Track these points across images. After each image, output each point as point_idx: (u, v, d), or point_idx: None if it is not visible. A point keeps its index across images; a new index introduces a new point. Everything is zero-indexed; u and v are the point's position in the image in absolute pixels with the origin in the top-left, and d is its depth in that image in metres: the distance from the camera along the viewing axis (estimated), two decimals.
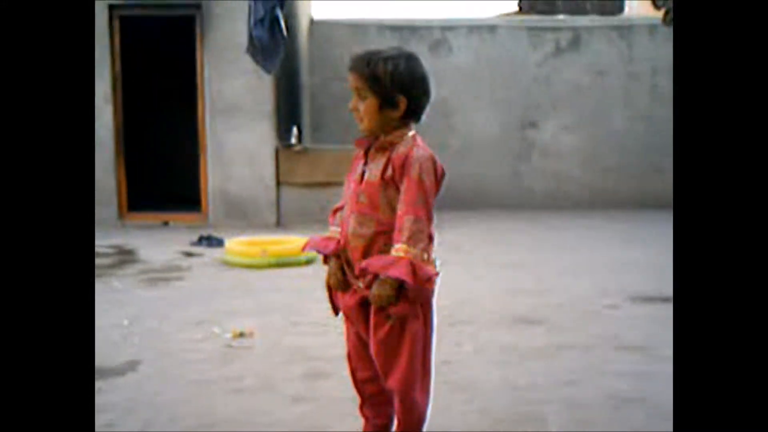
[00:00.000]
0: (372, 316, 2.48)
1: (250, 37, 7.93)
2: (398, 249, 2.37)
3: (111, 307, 4.89)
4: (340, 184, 9.17)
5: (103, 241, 7.52)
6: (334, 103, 10.13)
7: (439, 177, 2.47)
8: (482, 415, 3.04)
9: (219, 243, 7.14)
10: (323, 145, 9.57)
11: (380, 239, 2.45)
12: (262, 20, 7.81)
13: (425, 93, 2.48)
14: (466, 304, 4.81)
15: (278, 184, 8.67)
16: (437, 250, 2.69)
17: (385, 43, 5.74)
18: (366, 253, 2.47)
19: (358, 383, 2.66)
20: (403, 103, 2.43)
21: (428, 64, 2.55)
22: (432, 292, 2.42)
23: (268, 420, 3.00)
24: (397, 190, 2.42)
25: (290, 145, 8.74)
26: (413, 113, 2.48)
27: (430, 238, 2.47)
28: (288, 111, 9.16)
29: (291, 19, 8.87)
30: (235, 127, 8.60)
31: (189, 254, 6.89)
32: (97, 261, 6.54)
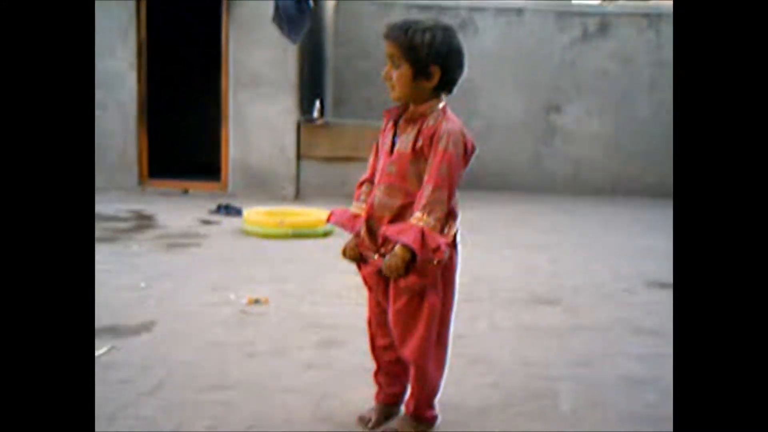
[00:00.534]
0: (391, 285, 2.48)
1: (276, 7, 7.90)
2: (414, 217, 2.38)
3: (128, 269, 4.92)
4: (360, 159, 9.24)
5: (122, 206, 7.57)
6: (358, 79, 10.08)
7: (469, 151, 2.46)
8: (494, 389, 3.04)
9: (237, 212, 7.16)
10: (345, 120, 9.54)
11: (407, 211, 2.44)
12: None
13: (460, 66, 2.47)
14: (483, 281, 4.79)
15: (299, 157, 8.66)
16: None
17: None
18: (393, 224, 2.47)
19: (375, 350, 2.67)
20: (437, 74, 2.41)
21: None
22: (441, 261, 2.40)
23: (280, 384, 3.01)
24: (426, 162, 2.41)
25: (312, 119, 8.72)
26: (446, 85, 2.46)
27: (452, 212, 2.45)
28: (311, 85, 9.13)
29: None
30: (257, 99, 8.58)
31: (207, 222, 6.91)
32: (116, 225, 6.58)
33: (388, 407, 2.69)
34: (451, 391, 2.82)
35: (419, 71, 2.41)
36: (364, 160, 2.66)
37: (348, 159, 8.41)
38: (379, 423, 2.63)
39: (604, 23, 10.41)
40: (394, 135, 2.50)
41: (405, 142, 2.46)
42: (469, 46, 2.51)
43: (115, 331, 3.60)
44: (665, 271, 5.39)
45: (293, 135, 8.61)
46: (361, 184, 2.62)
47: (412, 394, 2.62)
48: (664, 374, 3.23)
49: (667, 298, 4.66)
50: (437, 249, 2.36)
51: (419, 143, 2.42)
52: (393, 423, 2.61)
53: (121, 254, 5.40)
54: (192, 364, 3.20)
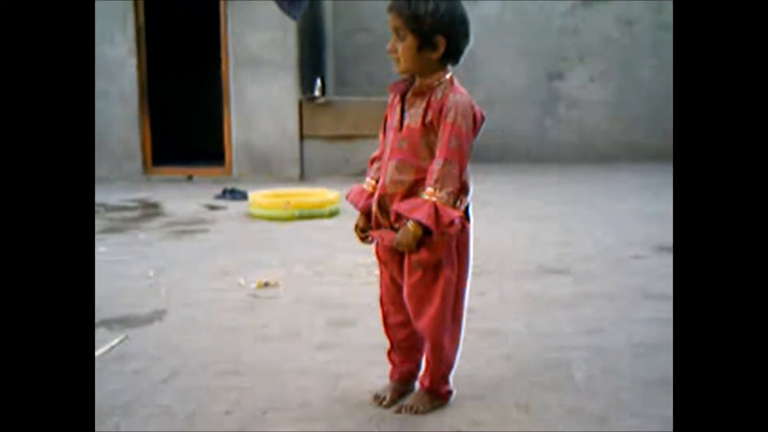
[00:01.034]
0: (406, 260, 2.47)
1: None
2: (426, 192, 2.37)
3: (136, 258, 4.93)
4: (364, 137, 9.20)
5: (127, 195, 7.58)
6: (358, 54, 10.03)
7: (478, 122, 2.44)
8: (508, 360, 3.04)
9: (243, 196, 7.15)
10: (347, 97, 9.50)
11: (420, 186, 2.43)
12: None
13: (465, 35, 2.44)
14: (491, 254, 4.78)
15: (302, 137, 8.64)
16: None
17: None
18: (405, 200, 2.46)
19: (389, 328, 2.66)
20: (442, 44, 2.38)
21: None
22: (454, 235, 2.40)
23: (294, 366, 3.02)
24: (436, 136, 2.40)
25: (314, 98, 8.68)
26: (452, 55, 2.43)
27: (464, 185, 2.44)
28: (311, 63, 9.09)
29: None
30: (258, 80, 8.55)
31: (213, 207, 6.91)
32: (122, 214, 6.59)
33: (402, 385, 2.69)
34: (464, 364, 2.82)
35: (424, 42, 2.39)
36: (368, 137, 2.65)
37: (351, 137, 8.39)
38: (393, 401, 2.63)
39: None
40: (402, 110, 2.48)
41: (414, 116, 2.44)
42: (469, 15, 2.48)
43: (126, 321, 3.61)
44: None
45: (295, 115, 8.59)
46: (373, 160, 2.61)
47: (427, 369, 2.63)
48: None
49: None
50: (451, 224, 2.35)
51: (428, 117, 2.40)
52: (409, 400, 2.61)
53: (128, 244, 5.41)
54: (205, 350, 3.21)
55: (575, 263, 4.65)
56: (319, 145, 8.65)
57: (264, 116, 8.59)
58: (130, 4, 8.47)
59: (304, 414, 2.58)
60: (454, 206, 2.38)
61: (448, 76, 2.45)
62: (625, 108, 10.30)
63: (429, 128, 2.41)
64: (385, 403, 2.62)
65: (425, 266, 2.44)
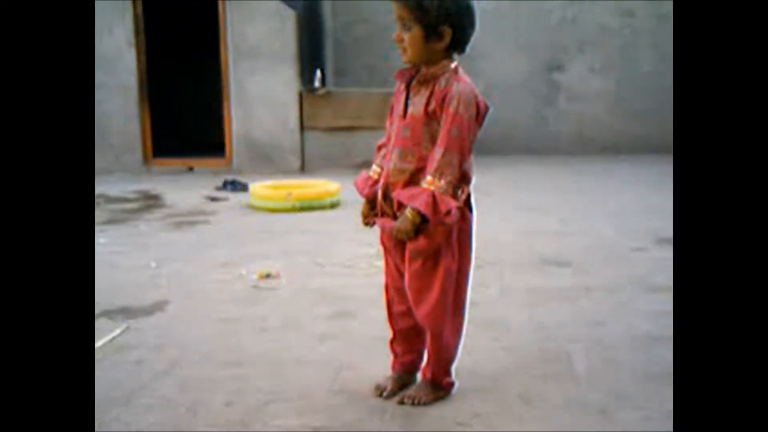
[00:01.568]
0: (407, 248, 2.47)
1: None
2: (425, 181, 2.38)
3: (138, 250, 4.93)
4: (364, 128, 9.18)
5: (128, 187, 7.58)
6: (358, 45, 10.01)
7: (481, 112, 2.44)
8: (509, 353, 3.05)
9: (243, 188, 7.15)
10: (347, 89, 9.48)
11: (421, 174, 2.43)
12: None
13: (471, 24, 2.43)
14: (492, 246, 4.78)
15: (302, 128, 8.62)
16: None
17: None
18: (405, 188, 2.46)
19: (392, 316, 2.67)
20: (448, 34, 2.38)
21: None
22: (452, 224, 2.40)
23: (296, 357, 3.03)
24: (439, 125, 2.40)
25: (314, 89, 8.67)
26: (458, 45, 2.43)
27: (465, 175, 2.44)
28: (311, 54, 9.06)
29: None
30: (258, 72, 8.53)
31: (214, 199, 6.91)
32: (123, 206, 6.59)
33: (404, 376, 2.70)
34: (466, 357, 2.83)
35: (430, 32, 2.38)
36: (368, 128, 2.65)
37: (352, 128, 8.38)
38: (394, 392, 2.63)
39: None
40: (407, 98, 2.48)
41: (418, 105, 2.44)
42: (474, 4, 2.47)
43: (128, 312, 3.61)
44: None
45: (295, 106, 8.57)
46: (380, 147, 2.61)
47: (429, 361, 2.63)
48: None
49: None
50: (448, 213, 2.35)
51: (431, 106, 2.40)
52: (410, 391, 2.62)
53: (130, 235, 5.41)
54: (206, 341, 3.22)
55: (575, 255, 4.65)
56: (319, 137, 8.64)
57: (264, 108, 8.58)
58: None
59: (305, 405, 2.59)
60: (453, 196, 2.38)
61: (453, 65, 2.44)
62: (625, 99, 10.28)
63: (432, 117, 2.41)
64: (385, 394, 2.63)
65: (424, 254, 2.44)
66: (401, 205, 2.45)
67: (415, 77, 2.46)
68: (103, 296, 3.75)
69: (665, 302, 3.56)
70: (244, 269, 4.33)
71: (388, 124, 2.58)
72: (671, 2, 10.04)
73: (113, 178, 8.06)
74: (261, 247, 4.95)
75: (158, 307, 3.71)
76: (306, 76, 8.71)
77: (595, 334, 3.25)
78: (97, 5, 7.45)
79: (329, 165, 8.44)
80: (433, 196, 2.34)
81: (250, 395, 2.67)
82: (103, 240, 5.15)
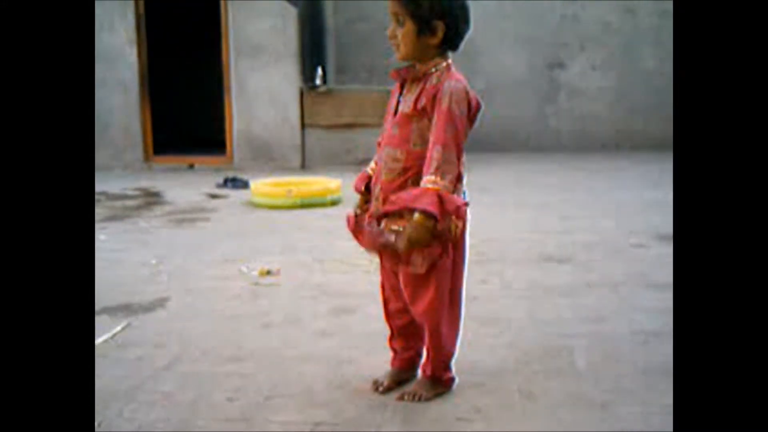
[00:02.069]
0: (414, 263, 2.46)
1: None
2: (426, 181, 2.33)
3: (138, 246, 4.94)
4: (364, 125, 9.18)
5: (129, 184, 7.58)
6: (359, 43, 10.01)
7: (473, 109, 2.42)
8: (510, 348, 3.04)
9: (244, 185, 7.16)
10: (348, 86, 9.49)
11: (410, 172, 2.42)
12: None
13: (465, 20, 2.42)
14: (492, 242, 4.79)
15: (303, 125, 8.63)
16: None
17: None
18: (395, 188, 2.45)
19: (389, 314, 2.67)
20: (441, 29, 2.37)
21: None
22: (463, 224, 2.40)
23: (296, 353, 3.03)
24: (429, 122, 2.39)
25: (315, 87, 8.67)
26: (451, 41, 2.42)
27: (459, 174, 2.43)
28: (312, 52, 9.07)
29: None
30: (259, 69, 8.54)
31: (214, 196, 6.92)
32: (124, 203, 6.59)
33: (403, 372, 2.70)
34: (466, 352, 2.83)
35: (423, 27, 2.38)
36: (369, 126, 2.65)
37: (352, 125, 8.38)
38: (390, 388, 2.63)
39: None
40: (400, 95, 2.48)
41: (407, 102, 2.43)
42: (469, 1, 2.47)
43: (129, 308, 3.62)
44: None
45: (296, 104, 8.58)
46: (380, 144, 2.61)
47: (428, 356, 2.63)
48: None
49: None
50: (457, 210, 2.34)
51: (421, 102, 2.39)
52: (410, 387, 2.62)
53: (130, 232, 5.42)
54: (207, 337, 3.22)
55: (576, 251, 4.65)
56: (320, 134, 8.64)
57: (265, 105, 8.58)
58: None
59: (306, 400, 2.59)
60: (455, 192, 2.37)
61: (445, 63, 2.44)
62: (626, 96, 10.28)
63: (421, 114, 2.39)
64: (381, 389, 2.63)
65: (434, 260, 2.41)
66: (385, 201, 2.44)
67: (408, 76, 2.45)
68: (104, 293, 3.75)
69: (665, 298, 3.55)
70: (244, 266, 4.33)
71: (385, 121, 2.58)
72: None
73: (114, 175, 8.07)
74: (261, 243, 4.95)
75: (159, 303, 3.71)
76: (307, 74, 8.71)
77: (595, 330, 3.25)
78: (99, 2, 7.46)
79: (330, 162, 8.44)
80: (439, 196, 2.30)
81: (250, 391, 2.67)
82: (104, 237, 5.15)
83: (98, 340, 3.16)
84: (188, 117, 9.97)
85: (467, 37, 2.47)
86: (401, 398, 2.58)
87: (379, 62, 9.23)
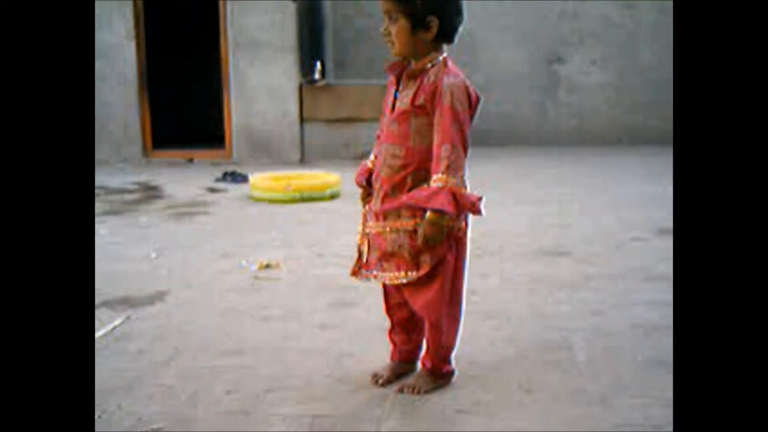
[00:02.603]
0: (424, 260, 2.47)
1: None
2: (437, 179, 2.33)
3: (138, 240, 4.93)
4: (363, 120, 9.18)
5: (128, 178, 7.57)
6: (358, 38, 9.98)
7: (473, 103, 2.42)
8: (510, 342, 3.05)
9: (243, 179, 7.15)
10: (347, 81, 9.47)
11: (409, 168, 2.42)
12: None
13: (458, 12, 2.42)
14: (492, 236, 4.79)
15: (302, 120, 8.62)
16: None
17: None
18: (394, 183, 2.45)
19: (389, 308, 2.67)
20: (434, 24, 2.37)
21: None
22: (477, 214, 2.41)
23: (297, 346, 3.03)
24: (428, 118, 2.38)
25: (314, 81, 8.66)
26: (446, 34, 2.41)
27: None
28: (311, 46, 9.04)
29: None
30: (257, 63, 8.52)
31: (214, 190, 6.91)
32: (123, 197, 6.59)
33: (402, 365, 2.70)
34: (466, 346, 2.83)
35: (417, 23, 2.37)
36: (368, 120, 2.65)
37: (351, 120, 8.37)
38: (390, 380, 2.64)
39: None
40: (397, 90, 2.48)
41: (405, 98, 2.43)
42: None
43: (128, 302, 3.61)
44: None
45: (295, 98, 8.56)
46: (379, 137, 2.61)
47: (428, 350, 2.63)
48: None
49: None
50: (473, 206, 2.35)
51: (420, 99, 2.38)
52: (410, 380, 2.62)
53: (129, 226, 5.41)
54: (207, 331, 3.22)
55: (576, 245, 4.65)
56: (319, 129, 8.63)
57: (264, 99, 8.57)
58: None
59: (306, 394, 2.59)
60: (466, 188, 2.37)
61: (441, 57, 2.43)
62: (626, 91, 10.26)
63: (419, 110, 2.39)
64: (381, 382, 2.63)
65: (441, 259, 2.42)
66: (386, 196, 2.44)
67: (405, 71, 2.45)
68: (104, 286, 3.75)
69: (665, 292, 3.56)
70: (244, 260, 4.33)
71: (382, 116, 2.57)
72: None
73: (113, 170, 8.06)
74: (261, 237, 4.95)
75: (158, 297, 3.71)
76: (306, 68, 8.69)
77: (595, 323, 3.25)
78: None
79: (329, 156, 8.43)
80: (453, 194, 2.31)
81: (250, 384, 2.68)
82: (104, 231, 5.15)
83: (98, 334, 3.16)
84: (187, 112, 9.94)
85: (462, 29, 2.46)
86: (401, 391, 2.58)
87: (378, 57, 9.19)
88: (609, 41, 10.27)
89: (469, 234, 2.57)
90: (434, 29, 2.37)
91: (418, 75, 2.41)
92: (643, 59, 10.22)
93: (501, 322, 3.27)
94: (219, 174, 7.53)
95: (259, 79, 8.53)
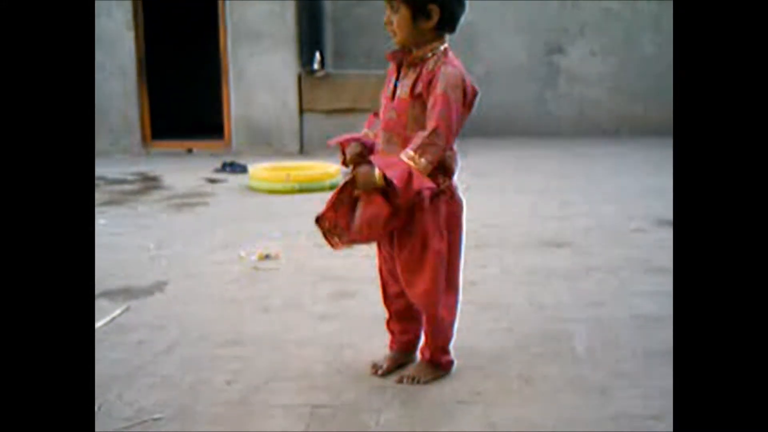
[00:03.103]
0: (396, 235, 2.47)
1: None
2: (406, 155, 2.32)
3: (137, 231, 4.93)
4: (363, 110, 9.17)
5: (127, 169, 7.56)
6: (357, 28, 9.96)
7: (469, 95, 2.41)
8: (509, 333, 3.05)
9: (242, 169, 7.14)
10: (346, 71, 9.44)
11: None
12: None
13: (459, 2, 2.41)
14: (491, 227, 4.79)
15: (301, 110, 8.61)
16: (462, 176, 2.67)
17: None
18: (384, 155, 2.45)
19: (387, 298, 2.67)
20: (436, 12, 2.36)
21: None
22: (420, 201, 2.38)
23: (296, 337, 3.03)
24: (425, 106, 2.38)
25: (313, 72, 8.64)
26: (447, 24, 2.40)
27: (449, 169, 2.45)
28: (310, 37, 9.01)
29: None
30: (257, 53, 8.50)
31: (213, 181, 6.90)
32: (122, 188, 6.58)
33: (401, 355, 2.70)
34: (466, 336, 2.84)
35: (418, 11, 2.36)
36: (367, 111, 2.64)
37: (350, 110, 8.36)
38: (389, 370, 2.64)
39: None
40: (397, 79, 2.47)
41: (404, 87, 2.42)
42: None
43: (128, 292, 3.61)
44: None
45: (294, 88, 8.55)
46: (375, 114, 2.60)
47: (426, 340, 2.64)
48: None
49: None
50: (419, 193, 2.33)
51: (418, 88, 2.38)
52: (410, 370, 2.62)
53: (128, 216, 5.41)
54: (206, 321, 3.22)
55: (576, 236, 4.65)
56: (318, 119, 8.62)
57: (263, 90, 8.55)
58: None
59: (306, 384, 2.59)
60: (430, 177, 2.34)
61: (443, 47, 2.42)
62: (626, 82, 10.25)
63: (417, 99, 2.38)
64: (380, 372, 2.64)
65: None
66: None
67: (405, 60, 2.44)
68: (104, 277, 3.75)
69: (664, 283, 3.56)
70: (243, 250, 4.33)
71: (381, 103, 2.57)
72: None
73: (112, 160, 8.05)
74: (260, 228, 4.95)
75: (158, 287, 3.71)
76: (305, 59, 8.68)
77: (594, 315, 3.25)
78: None
79: (328, 147, 8.41)
80: (410, 172, 2.29)
81: (250, 374, 2.68)
82: (103, 221, 5.14)
83: (98, 324, 3.16)
84: (186, 102, 9.92)
85: (463, 19, 2.45)
86: (400, 381, 2.58)
87: (377, 47, 9.16)
88: (609, 31, 10.25)
89: (464, 224, 2.57)
90: (435, 18, 2.37)
91: (418, 63, 2.41)
92: (643, 49, 10.20)
93: (501, 313, 3.27)
94: (218, 165, 7.52)
95: (259, 69, 8.52)
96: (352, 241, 2.51)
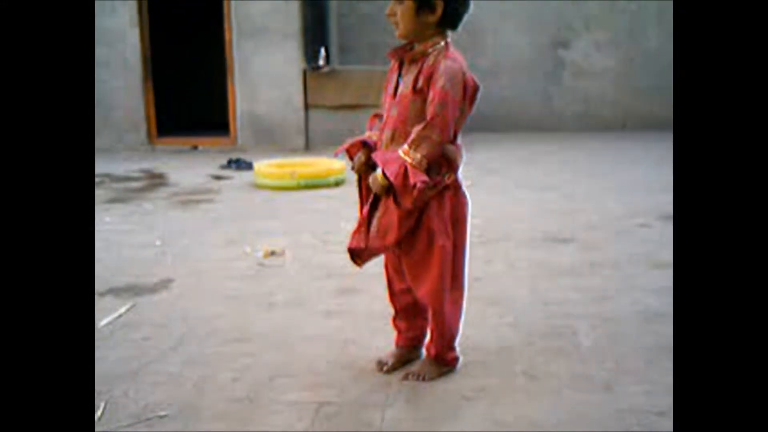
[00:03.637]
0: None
1: None
2: (401, 149, 2.36)
3: (142, 228, 4.94)
4: (368, 106, 9.16)
5: (132, 165, 7.58)
6: (362, 23, 9.95)
7: (469, 91, 2.41)
8: (514, 328, 3.05)
9: (248, 166, 7.15)
10: (351, 67, 9.44)
11: None
12: None
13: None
14: (496, 223, 4.79)
15: (306, 106, 8.61)
16: (467, 171, 2.67)
17: None
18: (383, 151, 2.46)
19: (393, 294, 2.68)
20: (440, 6, 2.36)
21: None
22: (419, 199, 2.38)
23: (302, 333, 3.04)
24: (426, 102, 2.38)
25: (318, 67, 8.64)
26: (450, 19, 2.41)
27: (452, 163, 2.45)
28: (315, 32, 9.02)
29: None
30: (261, 50, 8.50)
31: (218, 177, 6.91)
32: (128, 185, 6.60)
33: (407, 352, 2.71)
34: (471, 332, 2.84)
35: (422, 5, 2.37)
36: (372, 107, 2.64)
37: (356, 106, 8.35)
38: (395, 367, 2.65)
39: None
40: (399, 76, 2.48)
41: (406, 83, 2.43)
42: None
43: (134, 289, 3.63)
44: None
45: (299, 85, 8.55)
46: (375, 116, 2.60)
47: (432, 337, 2.64)
48: None
49: None
50: (414, 186, 2.34)
51: (419, 83, 2.38)
52: (415, 367, 2.63)
53: (134, 213, 5.42)
54: (212, 318, 3.23)
55: (580, 232, 4.65)
56: (323, 115, 8.62)
57: (268, 86, 8.56)
58: None
59: (312, 380, 2.60)
60: (426, 170, 2.35)
61: (444, 42, 2.42)
62: (631, 77, 10.22)
63: (419, 95, 2.39)
64: (386, 368, 2.64)
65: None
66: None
67: (406, 56, 2.44)
68: (109, 274, 3.77)
69: (669, 279, 3.54)
70: (248, 247, 4.34)
71: (383, 100, 2.57)
72: None
73: (118, 157, 8.06)
74: (266, 224, 4.96)
75: (164, 284, 3.72)
76: (310, 54, 8.67)
77: (600, 310, 3.25)
78: None
79: (333, 143, 8.36)
80: (404, 168, 2.32)
81: (256, 371, 2.69)
82: (108, 219, 5.16)
83: (103, 321, 3.17)
84: (191, 98, 9.93)
85: (466, 17, 2.45)
86: (406, 378, 2.59)
87: (382, 42, 9.16)
88: (614, 26, 10.22)
89: (468, 220, 2.57)
90: (439, 11, 2.37)
91: (419, 59, 2.41)
92: (648, 44, 10.17)
93: (505, 309, 3.27)
94: (224, 161, 7.53)
95: (264, 65, 8.52)
96: (372, 253, 2.54)
